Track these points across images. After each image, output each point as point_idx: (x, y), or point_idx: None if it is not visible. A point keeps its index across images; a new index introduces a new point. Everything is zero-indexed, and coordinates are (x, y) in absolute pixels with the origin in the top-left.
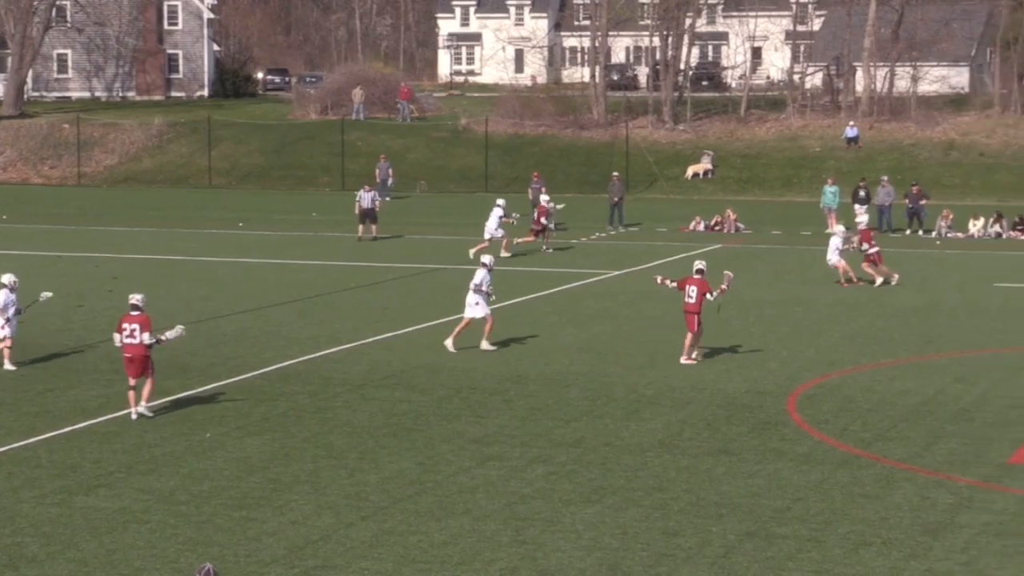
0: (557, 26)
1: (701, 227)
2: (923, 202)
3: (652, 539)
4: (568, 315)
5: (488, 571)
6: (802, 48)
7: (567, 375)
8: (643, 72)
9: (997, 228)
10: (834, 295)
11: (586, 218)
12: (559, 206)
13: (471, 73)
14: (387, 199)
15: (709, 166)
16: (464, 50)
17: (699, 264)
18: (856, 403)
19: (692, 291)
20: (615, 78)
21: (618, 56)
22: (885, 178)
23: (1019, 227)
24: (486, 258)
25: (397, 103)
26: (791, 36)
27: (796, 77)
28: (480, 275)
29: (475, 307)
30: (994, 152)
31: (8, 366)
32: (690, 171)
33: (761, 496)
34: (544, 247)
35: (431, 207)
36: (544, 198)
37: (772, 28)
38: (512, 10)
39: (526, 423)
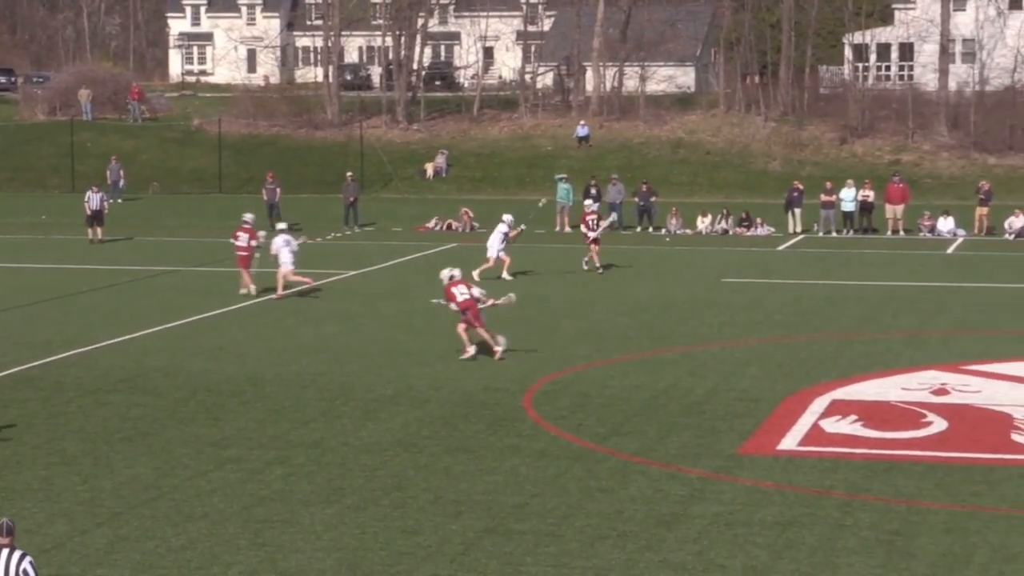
0: (290, 26)
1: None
2: (653, 199)
3: (391, 538)
4: (305, 316)
5: (227, 575)
6: (533, 48)
7: (304, 376)
8: (376, 72)
9: (724, 225)
10: (568, 292)
11: (322, 218)
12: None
13: (203, 73)
14: (119, 201)
15: (443, 164)
16: (196, 50)
17: (451, 272)
18: (591, 398)
19: (463, 289)
20: (348, 78)
21: (351, 56)
22: (615, 176)
23: (744, 223)
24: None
25: (128, 103)
26: (522, 36)
27: (528, 77)
28: None
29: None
30: (719, 150)
31: None
32: (430, 169)
33: (499, 492)
34: (586, 261)
35: (164, 209)
36: (588, 202)
37: (503, 28)
38: (244, 10)
39: (263, 425)
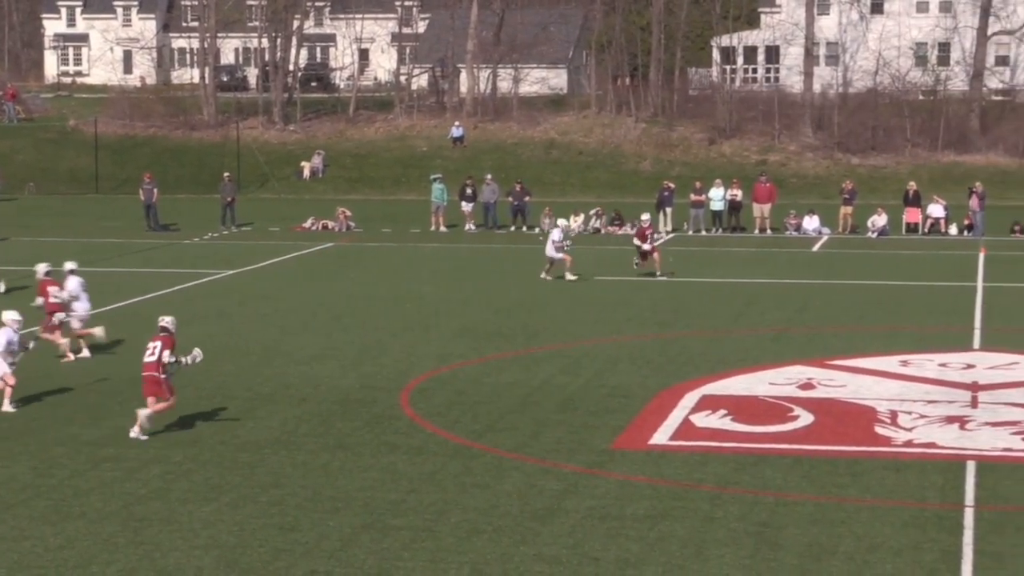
0: (166, 27)
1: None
2: (526, 199)
3: (269, 535)
4: (182, 315)
5: (106, 573)
6: (408, 50)
7: (182, 375)
8: (253, 73)
9: (597, 224)
10: (443, 290)
11: (199, 218)
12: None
13: (79, 74)
14: None
15: (319, 164)
16: (71, 51)
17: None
18: (466, 395)
19: (55, 289)
20: (225, 79)
21: (227, 57)
22: (489, 176)
23: (616, 223)
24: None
25: (2, 104)
26: (397, 38)
27: (403, 78)
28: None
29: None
30: (592, 151)
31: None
32: (306, 169)
33: (376, 489)
34: (636, 263)
35: (40, 209)
36: (645, 216)
37: (379, 30)
38: (120, 11)
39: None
